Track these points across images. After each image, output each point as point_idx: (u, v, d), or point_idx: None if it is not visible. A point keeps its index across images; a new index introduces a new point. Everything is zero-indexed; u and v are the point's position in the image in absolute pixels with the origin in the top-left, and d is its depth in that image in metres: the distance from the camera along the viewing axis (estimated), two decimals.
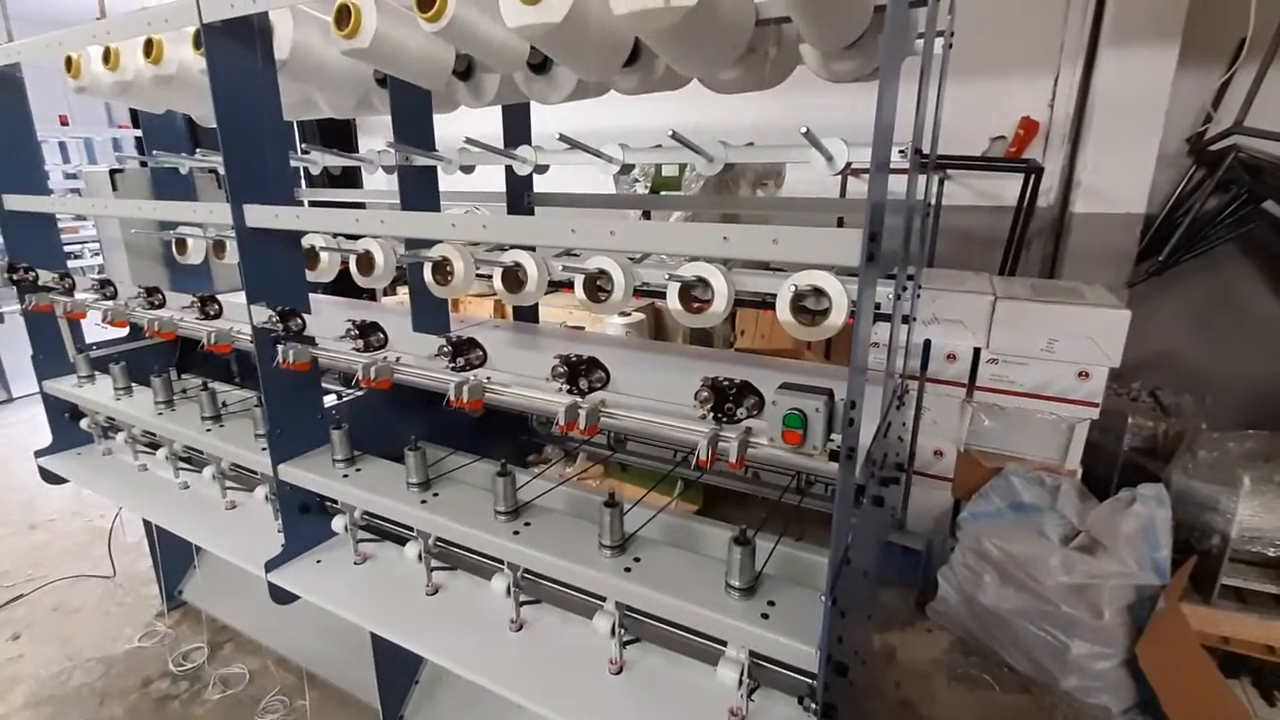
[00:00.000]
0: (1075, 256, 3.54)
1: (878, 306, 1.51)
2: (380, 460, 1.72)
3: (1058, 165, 3.63)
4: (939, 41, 1.51)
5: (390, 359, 1.39)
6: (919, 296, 1.97)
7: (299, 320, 1.49)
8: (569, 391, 1.12)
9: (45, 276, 2.09)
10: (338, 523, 1.68)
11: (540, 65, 1.67)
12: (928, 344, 2.80)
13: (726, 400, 0.98)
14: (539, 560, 1.30)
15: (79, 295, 2.06)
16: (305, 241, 1.91)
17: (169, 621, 2.69)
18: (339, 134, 5.82)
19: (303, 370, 1.53)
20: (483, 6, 1.42)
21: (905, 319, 1.86)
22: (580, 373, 1.12)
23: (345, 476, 1.62)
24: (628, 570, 1.23)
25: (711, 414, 0.98)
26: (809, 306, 1.44)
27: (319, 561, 1.74)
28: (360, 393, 1.89)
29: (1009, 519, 2.71)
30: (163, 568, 2.71)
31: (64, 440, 2.37)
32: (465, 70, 1.80)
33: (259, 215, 1.50)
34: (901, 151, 1.33)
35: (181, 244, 2.22)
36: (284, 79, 1.71)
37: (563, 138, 1.47)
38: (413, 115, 1.83)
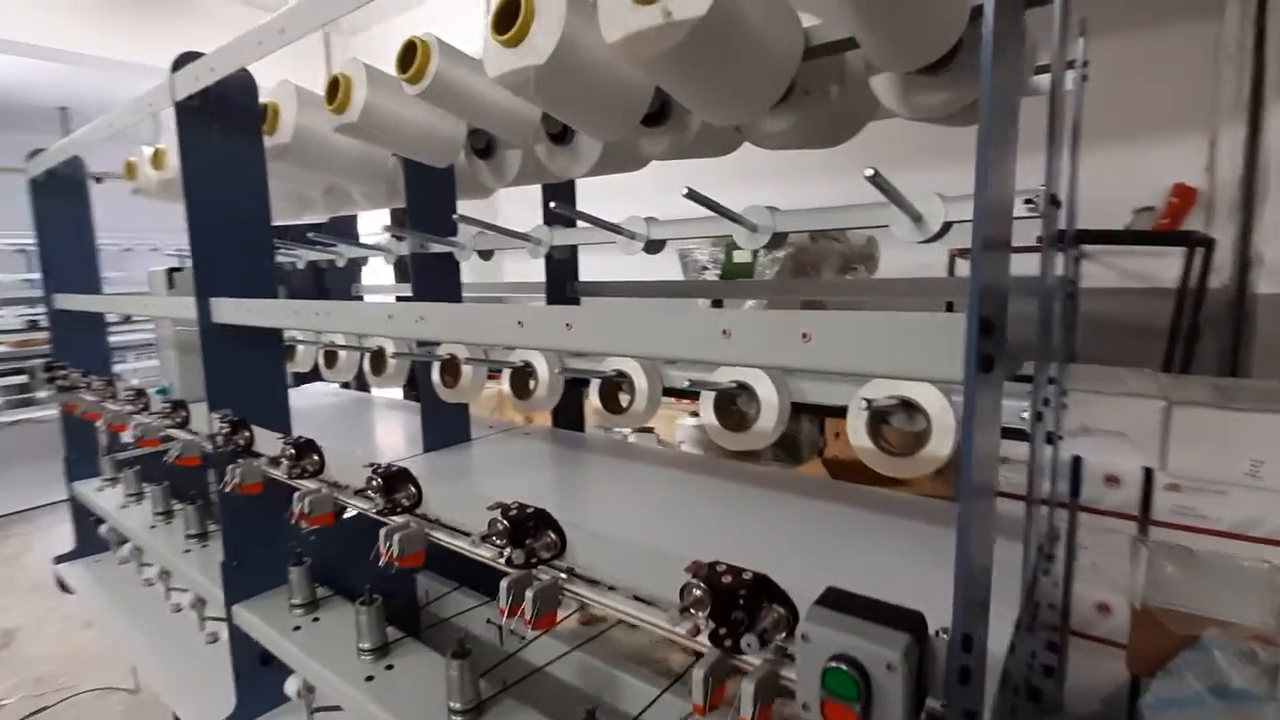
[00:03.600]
0: (1267, 349, 2.80)
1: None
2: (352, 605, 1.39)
3: (1229, 239, 2.96)
4: (1070, 75, 1.12)
5: (324, 490, 1.08)
6: (1065, 405, 1.45)
7: (247, 434, 1.23)
8: (508, 561, 0.75)
9: (73, 376, 2.04)
10: (290, 685, 1.35)
11: (560, 134, 1.43)
12: (1077, 463, 2.17)
13: (733, 608, 0.56)
14: None
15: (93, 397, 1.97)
16: (326, 339, 1.72)
17: None
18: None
19: (255, 492, 1.26)
20: (475, 66, 1.21)
21: (1050, 437, 1.34)
22: (527, 531, 0.75)
23: (296, 629, 1.30)
24: None
25: (709, 633, 0.57)
26: (900, 425, 1.02)
27: None
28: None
29: (1213, 709, 1.93)
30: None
31: (87, 546, 2.26)
32: (485, 147, 1.60)
33: (223, 310, 1.30)
34: (1029, 202, 0.92)
35: None
36: (293, 165, 1.58)
37: (558, 208, 1.19)
38: (428, 197, 1.64)
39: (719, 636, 0.56)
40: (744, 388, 1.13)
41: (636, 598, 0.70)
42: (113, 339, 5.18)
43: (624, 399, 1.31)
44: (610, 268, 1.93)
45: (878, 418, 0.98)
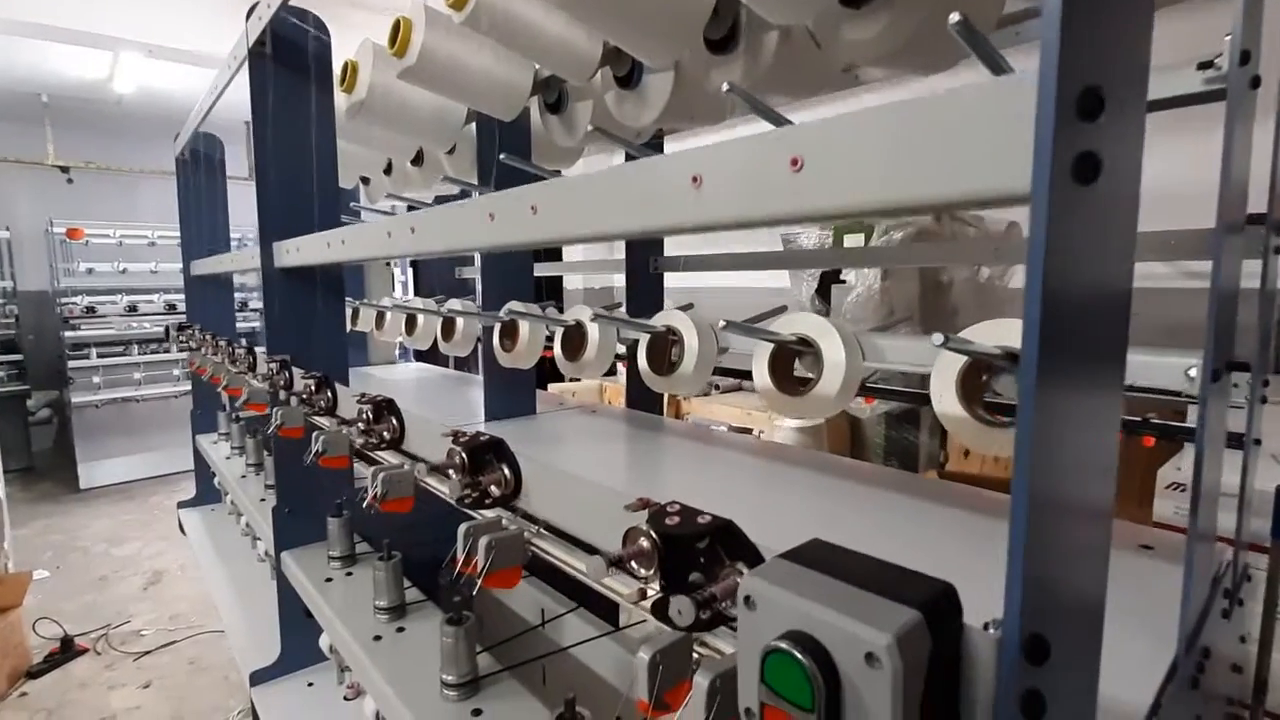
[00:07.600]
0: None
1: (1142, 419, 0.76)
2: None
3: None
4: None
5: (338, 430, 1.02)
6: (1264, 399, 1.07)
7: (287, 375, 1.22)
8: (473, 496, 0.62)
9: (197, 335, 2.22)
10: (324, 640, 1.32)
11: (627, 77, 1.33)
12: None
13: (689, 569, 0.39)
14: None
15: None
16: (408, 306, 1.73)
17: None
18: None
19: (296, 436, 1.25)
20: None
21: (1231, 438, 0.99)
22: (484, 465, 0.62)
23: (329, 580, 1.27)
24: None
25: (656, 598, 0.40)
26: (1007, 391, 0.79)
27: (310, 684, 1.38)
28: None
29: None
30: None
31: (205, 495, 2.45)
32: (556, 102, 1.53)
33: (281, 254, 1.31)
34: (1206, 65, 0.65)
35: None
36: (371, 124, 1.59)
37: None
38: (496, 156, 1.59)
39: (664, 605, 0.39)
40: (807, 344, 0.94)
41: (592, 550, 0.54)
42: None
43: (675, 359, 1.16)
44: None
45: (978, 373, 0.75)
